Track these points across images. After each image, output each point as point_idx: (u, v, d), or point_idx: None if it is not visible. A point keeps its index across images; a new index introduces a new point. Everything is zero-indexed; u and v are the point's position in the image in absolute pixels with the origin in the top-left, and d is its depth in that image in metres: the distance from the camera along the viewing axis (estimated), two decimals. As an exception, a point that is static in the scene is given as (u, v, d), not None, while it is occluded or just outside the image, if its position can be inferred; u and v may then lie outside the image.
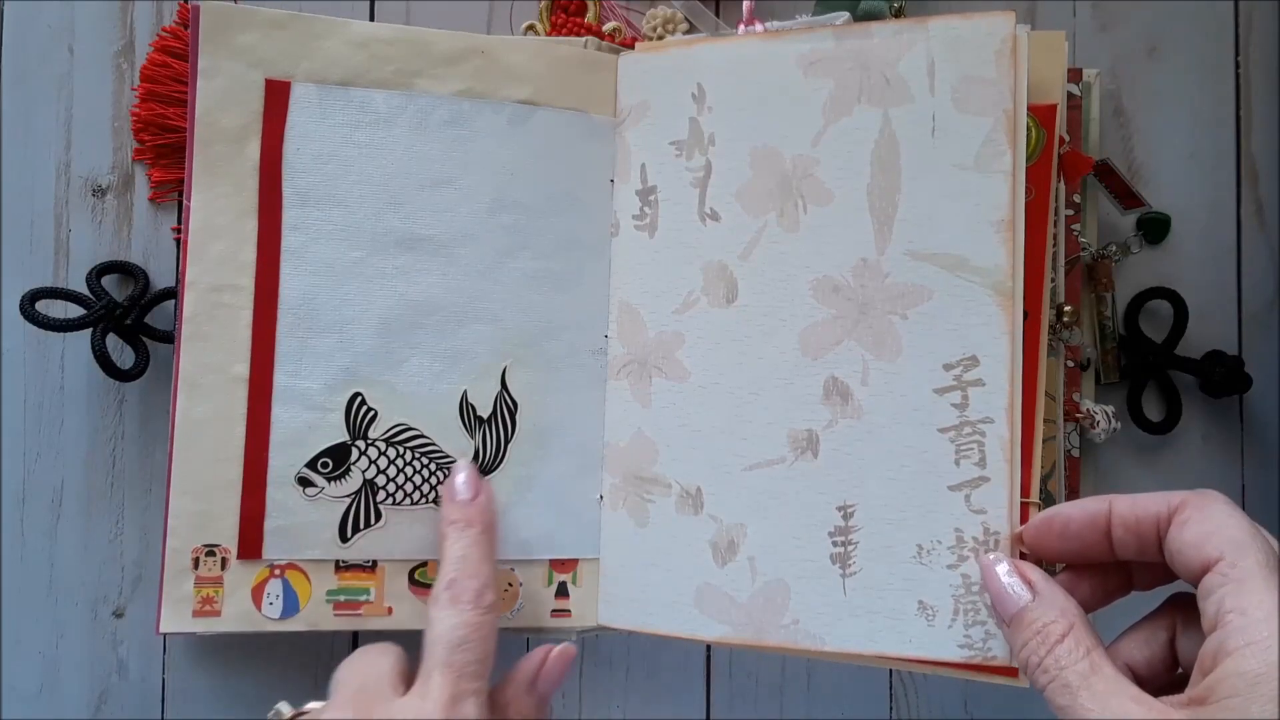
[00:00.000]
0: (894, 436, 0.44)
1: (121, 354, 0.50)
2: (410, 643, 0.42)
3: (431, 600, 0.42)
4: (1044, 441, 0.46)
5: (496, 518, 0.45)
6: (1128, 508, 0.38)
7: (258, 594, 0.47)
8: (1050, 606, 0.38)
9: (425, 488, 0.48)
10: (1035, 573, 0.39)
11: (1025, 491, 0.43)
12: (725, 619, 0.46)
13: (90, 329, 0.48)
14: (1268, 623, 0.32)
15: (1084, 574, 0.40)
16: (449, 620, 0.40)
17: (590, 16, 0.53)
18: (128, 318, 0.49)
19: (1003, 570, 0.40)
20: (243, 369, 0.47)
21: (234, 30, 0.47)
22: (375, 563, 0.48)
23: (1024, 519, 0.42)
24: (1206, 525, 0.35)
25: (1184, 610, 0.38)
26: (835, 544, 0.44)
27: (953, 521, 0.43)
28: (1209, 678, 0.32)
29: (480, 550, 0.43)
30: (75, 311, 0.49)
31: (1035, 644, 0.37)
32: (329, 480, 0.47)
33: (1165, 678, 0.38)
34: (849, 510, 0.44)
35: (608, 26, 0.53)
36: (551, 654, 0.44)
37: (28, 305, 0.47)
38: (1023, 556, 0.41)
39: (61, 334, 0.49)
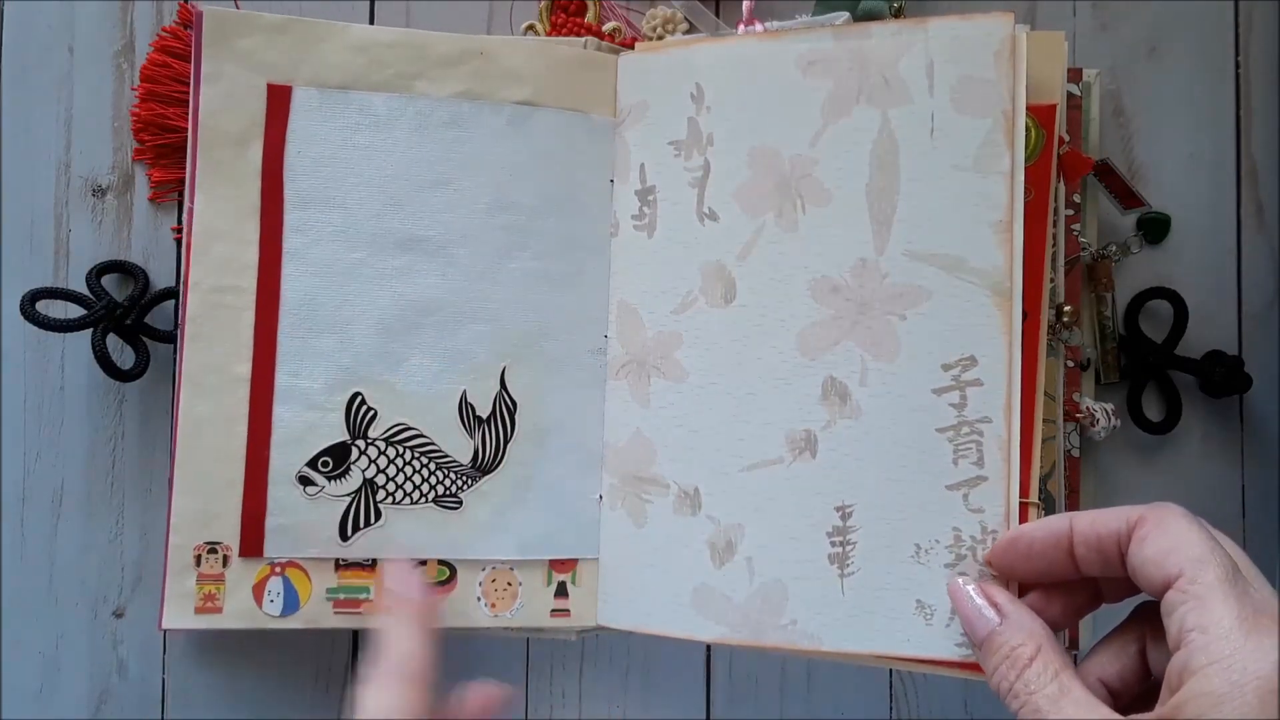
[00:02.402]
0: (892, 437, 0.44)
1: (121, 354, 0.50)
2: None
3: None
4: (1044, 441, 0.46)
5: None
6: (1088, 525, 0.37)
7: (259, 591, 0.47)
8: (1017, 629, 0.38)
9: (425, 487, 0.48)
10: (1001, 595, 0.39)
11: (1025, 492, 0.43)
12: (722, 619, 0.46)
13: (90, 329, 0.48)
14: (1228, 640, 0.32)
15: (1054, 592, 0.40)
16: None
17: (590, 16, 0.53)
18: (128, 318, 0.49)
19: (971, 592, 0.40)
20: (244, 369, 0.47)
21: (236, 35, 0.47)
22: (375, 561, 0.48)
23: (1023, 519, 0.42)
24: (1164, 541, 0.35)
25: (1152, 619, 0.37)
26: (833, 544, 0.44)
27: (950, 521, 0.43)
28: (1175, 697, 0.32)
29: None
30: (75, 311, 0.49)
31: (1005, 669, 0.37)
32: (329, 479, 0.47)
33: (1139, 688, 0.38)
34: (847, 510, 0.44)
35: (607, 26, 0.53)
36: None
37: (28, 305, 0.47)
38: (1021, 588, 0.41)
39: (61, 334, 0.49)
